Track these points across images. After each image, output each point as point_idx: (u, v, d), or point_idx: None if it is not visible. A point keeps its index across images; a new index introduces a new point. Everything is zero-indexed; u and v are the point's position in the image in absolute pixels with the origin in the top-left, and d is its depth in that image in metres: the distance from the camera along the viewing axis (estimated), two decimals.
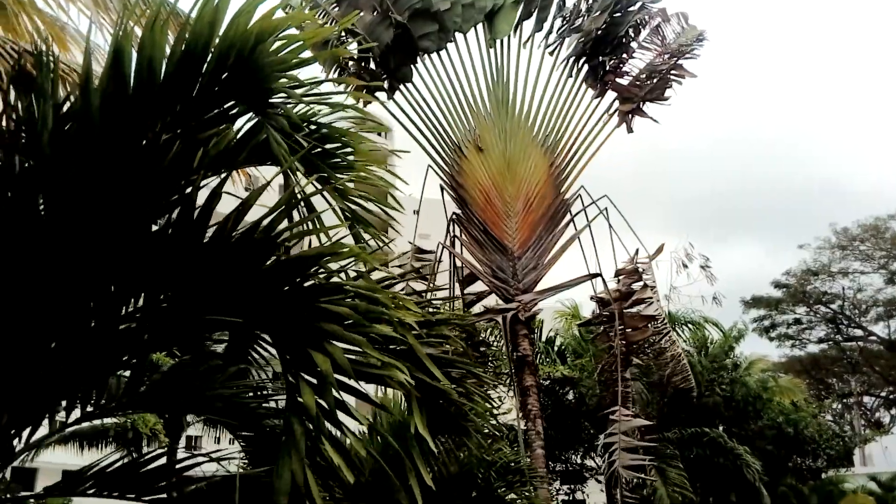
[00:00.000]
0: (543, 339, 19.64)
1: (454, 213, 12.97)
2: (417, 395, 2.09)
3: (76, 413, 3.75)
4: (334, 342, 2.04)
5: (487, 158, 12.63)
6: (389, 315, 2.18)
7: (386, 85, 12.80)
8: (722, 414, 19.60)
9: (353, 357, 2.02)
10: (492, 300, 12.69)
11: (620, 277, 12.17)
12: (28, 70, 4.28)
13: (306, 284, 2.23)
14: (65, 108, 4.09)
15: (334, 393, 2.00)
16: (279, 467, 1.99)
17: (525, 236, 12.40)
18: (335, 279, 2.31)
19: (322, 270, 2.31)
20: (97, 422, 16.42)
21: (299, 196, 2.66)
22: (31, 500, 4.81)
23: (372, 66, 13.03)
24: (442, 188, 12.91)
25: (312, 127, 3.62)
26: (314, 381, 2.04)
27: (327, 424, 2.08)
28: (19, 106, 3.98)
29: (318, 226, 2.66)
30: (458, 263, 12.57)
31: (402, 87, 12.81)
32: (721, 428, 19.27)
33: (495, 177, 12.61)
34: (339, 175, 3.62)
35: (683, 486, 13.52)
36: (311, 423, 1.99)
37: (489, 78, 12.98)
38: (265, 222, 2.45)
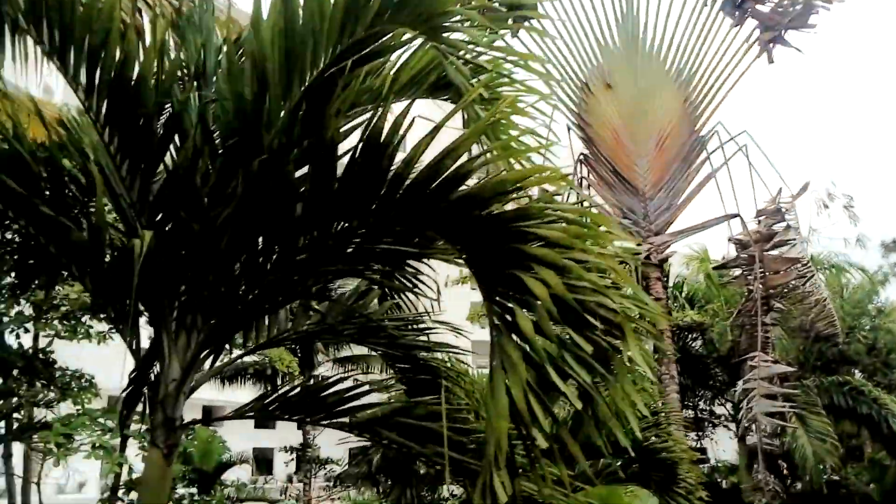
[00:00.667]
0: (670, 284, 19.09)
1: (581, 153, 12.65)
2: (632, 325, 2.02)
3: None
4: (542, 267, 2.00)
5: (617, 96, 12.17)
6: (598, 240, 2.11)
7: (510, 21, 12.50)
8: (863, 362, 18.52)
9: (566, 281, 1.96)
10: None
11: (761, 218, 11.55)
12: (182, 13, 4.41)
13: (507, 209, 2.19)
14: (224, 51, 4.20)
15: (547, 317, 1.95)
16: (493, 389, 1.99)
17: (657, 176, 11.95)
18: (534, 205, 2.25)
19: (519, 195, 2.26)
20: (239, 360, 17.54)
21: (484, 124, 2.60)
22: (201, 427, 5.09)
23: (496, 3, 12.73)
24: (568, 128, 12.59)
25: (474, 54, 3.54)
26: (523, 308, 2.01)
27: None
28: (191, 46, 4.12)
29: (504, 151, 2.60)
30: (586, 205, 12.30)
31: (526, 23, 12.46)
32: (861, 377, 18.24)
33: (625, 115, 12.16)
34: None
35: (826, 433, 12.92)
36: (529, 346, 1.96)
37: (618, 12, 12.42)
38: (455, 149, 2.41)
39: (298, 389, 3.75)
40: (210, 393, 24.74)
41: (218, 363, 4.07)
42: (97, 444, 12.82)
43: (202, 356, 3.52)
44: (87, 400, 15.15)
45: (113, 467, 13.08)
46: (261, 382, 21.88)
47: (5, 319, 15.26)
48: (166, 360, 3.35)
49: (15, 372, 14.43)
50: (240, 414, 3.66)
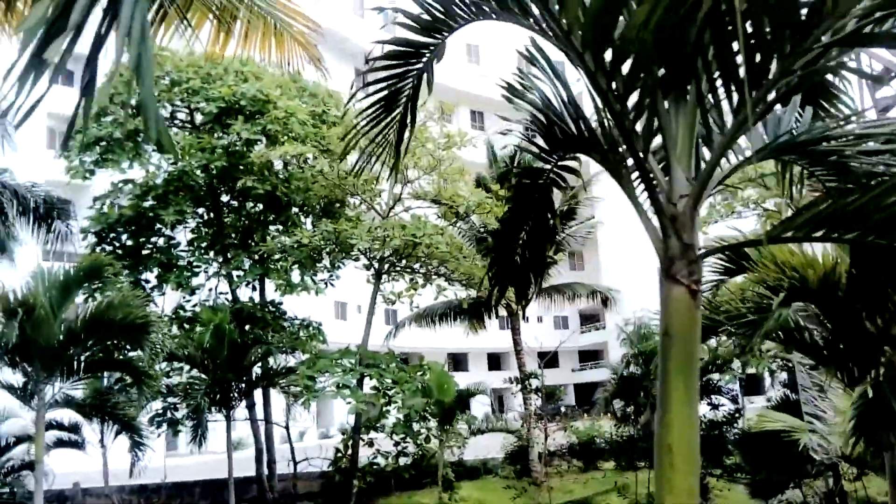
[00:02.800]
0: None
1: None
2: None
3: None
4: None
5: None
6: None
7: None
8: None
9: None
10: None
11: None
12: None
13: None
14: None
15: None
16: None
17: None
18: None
19: None
20: None
21: None
22: None
23: None
24: None
25: None
26: None
27: None
28: None
29: None
30: None
31: None
32: None
33: None
34: None
35: None
36: None
37: None
38: None
39: None
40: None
41: None
42: (341, 384, 13.30)
43: None
44: (314, 347, 15.81)
45: (357, 405, 13.59)
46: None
47: (238, 274, 16.14)
48: (674, 160, 2.83)
49: (247, 325, 15.22)
50: None
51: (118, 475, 14.67)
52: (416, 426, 14.40)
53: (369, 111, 3.85)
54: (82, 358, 11.16)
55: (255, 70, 16.35)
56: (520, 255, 3.72)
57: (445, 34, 3.28)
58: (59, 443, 13.39)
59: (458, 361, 46.19)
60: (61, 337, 10.92)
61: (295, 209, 17.12)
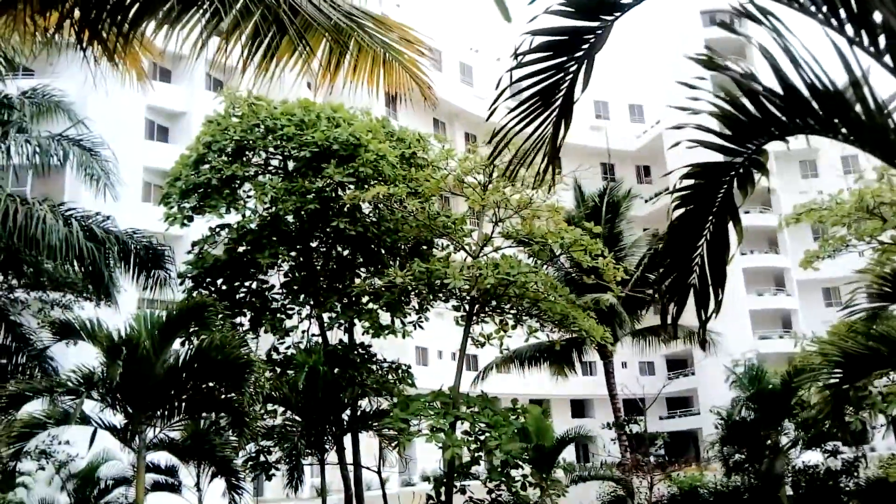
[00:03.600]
0: None
1: None
2: None
3: None
4: None
5: None
6: None
7: None
8: None
9: None
10: None
11: None
12: None
13: None
14: None
15: None
16: None
17: None
18: None
19: None
20: None
21: None
22: None
23: None
24: None
25: None
26: None
27: None
28: None
29: None
30: None
31: None
32: None
33: None
34: None
35: None
36: None
37: None
38: None
39: None
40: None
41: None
42: (435, 428, 12.93)
43: None
44: (403, 390, 15.50)
45: (453, 450, 13.16)
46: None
47: (329, 316, 16.08)
48: None
49: (336, 369, 15.04)
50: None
51: None
52: (513, 472, 13.83)
53: (521, 109, 3.59)
54: (183, 398, 11.21)
55: (346, 116, 16.62)
56: (698, 265, 3.35)
57: (615, 15, 3.01)
58: (156, 486, 13.47)
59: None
60: (162, 377, 11.01)
61: (383, 251, 17.14)
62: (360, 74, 6.26)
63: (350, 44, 6.03)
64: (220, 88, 32.78)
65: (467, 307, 16.29)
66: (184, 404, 11.19)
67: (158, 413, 11.06)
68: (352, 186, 15.58)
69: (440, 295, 15.69)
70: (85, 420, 11.04)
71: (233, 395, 11.11)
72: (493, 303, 15.82)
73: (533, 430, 13.50)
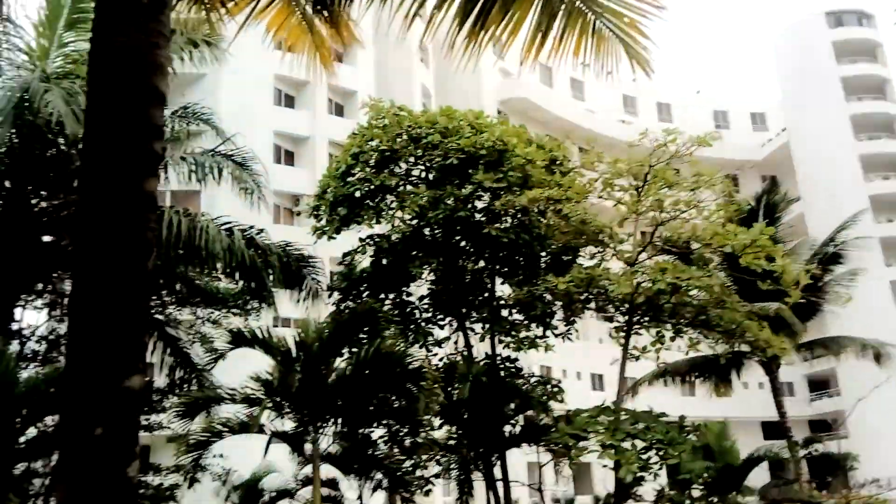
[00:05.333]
0: None
1: None
2: None
3: None
4: None
5: None
6: None
7: None
8: None
9: None
10: None
11: None
12: None
13: None
14: None
15: None
16: None
17: None
18: None
19: None
20: None
21: None
22: None
23: None
24: None
25: None
26: None
27: None
28: None
29: None
30: None
31: None
32: None
33: None
34: None
35: None
36: None
37: None
38: None
39: None
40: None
41: None
42: (606, 444, 12.11)
43: None
44: (551, 407, 14.70)
45: (627, 468, 12.31)
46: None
47: (477, 327, 15.54)
48: None
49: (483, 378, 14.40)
50: None
51: None
52: (695, 493, 12.82)
53: None
54: (354, 407, 10.93)
55: (487, 123, 16.28)
56: None
57: None
58: (321, 499, 13.23)
59: None
60: (333, 385, 10.77)
61: (524, 260, 16.56)
62: (566, 44, 5.73)
63: (560, 9, 5.52)
64: (345, 108, 33.52)
65: (622, 318, 15.47)
66: (356, 413, 10.91)
67: (330, 421, 10.81)
68: (500, 193, 15.12)
69: (596, 304, 14.95)
70: (259, 429, 10.93)
71: (404, 403, 10.73)
72: (653, 313, 14.91)
73: (715, 448, 12.45)
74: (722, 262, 16.06)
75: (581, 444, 12.82)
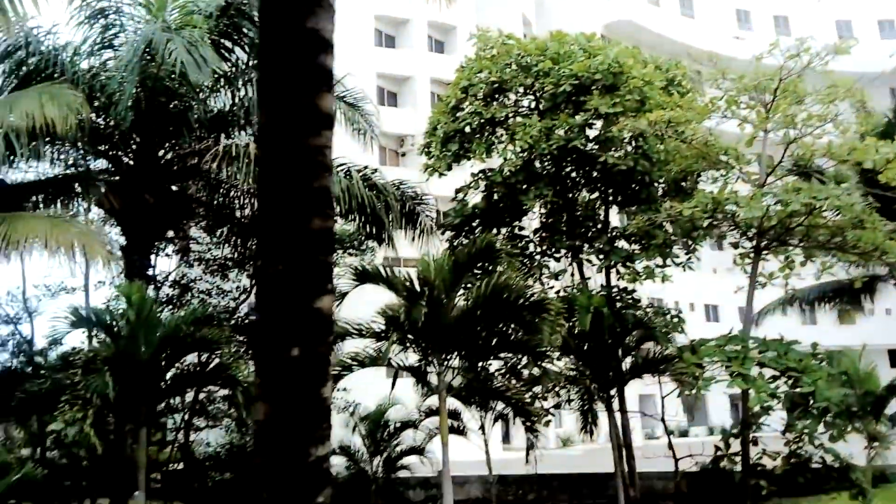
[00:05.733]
0: None
1: None
2: None
3: None
4: None
5: None
6: None
7: None
8: None
9: None
10: None
11: None
12: None
13: None
14: None
15: None
16: None
17: None
18: None
19: None
20: None
21: None
22: None
23: None
24: None
25: None
26: None
27: None
28: None
29: None
30: None
31: None
32: None
33: None
34: None
35: None
36: None
37: None
38: None
39: None
40: None
41: None
42: (735, 373, 11.71)
43: None
44: (673, 338, 14.28)
45: (759, 397, 11.91)
46: None
47: (596, 258, 15.20)
48: None
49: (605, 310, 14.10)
50: None
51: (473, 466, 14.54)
52: (831, 421, 12.26)
53: None
54: (477, 340, 11.02)
55: (601, 45, 15.59)
56: None
57: None
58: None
59: None
60: (456, 319, 10.86)
61: (640, 188, 15.98)
62: None
63: None
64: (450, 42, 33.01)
65: (749, 243, 14.77)
66: (479, 346, 11.01)
67: (454, 354, 10.95)
68: (616, 119, 14.55)
69: (720, 230, 14.31)
70: (387, 363, 11.21)
71: (528, 337, 10.71)
72: (783, 237, 14.13)
73: (853, 375, 11.81)
74: (859, 181, 14.96)
75: (707, 373, 12.49)
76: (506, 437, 26.80)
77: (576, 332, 12.58)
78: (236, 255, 17.78)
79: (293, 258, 2.26)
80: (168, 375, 10.44)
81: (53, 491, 13.02)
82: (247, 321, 17.11)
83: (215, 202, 16.00)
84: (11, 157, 12.08)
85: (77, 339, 15.08)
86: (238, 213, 16.11)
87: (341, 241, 18.04)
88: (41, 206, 13.52)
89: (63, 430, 13.52)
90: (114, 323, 10.21)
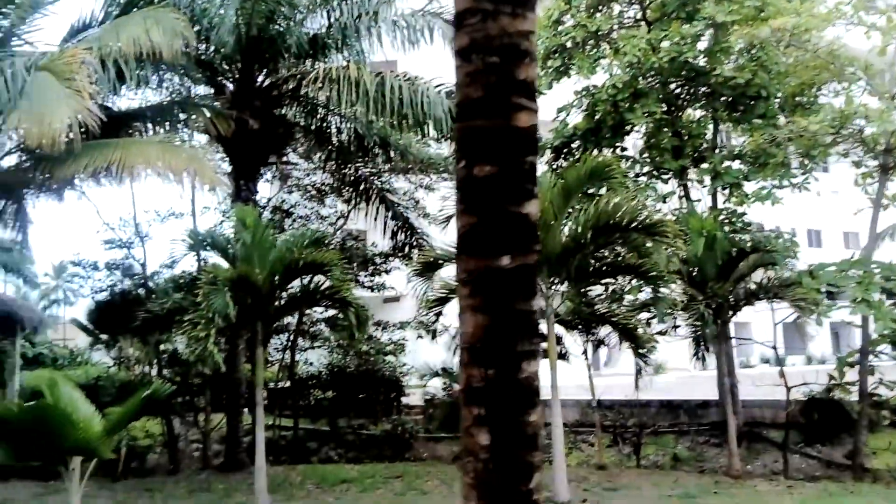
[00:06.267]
0: None
1: None
2: None
3: None
4: None
5: None
6: None
7: None
8: None
9: None
10: None
11: None
12: None
13: None
14: None
15: None
16: None
17: None
18: None
19: None
20: None
21: None
22: None
23: None
24: None
25: None
26: None
27: None
28: None
29: None
30: None
31: None
32: None
33: None
34: None
35: None
36: None
37: None
38: None
39: None
40: None
41: None
42: (858, 298, 11.04)
43: None
44: (786, 262, 13.49)
45: (886, 322, 11.25)
46: None
47: (704, 179, 14.47)
48: None
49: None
50: None
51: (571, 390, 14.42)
52: None
53: None
54: (589, 264, 10.74)
55: None
56: None
57: None
58: (543, 354, 13.50)
59: None
60: (564, 243, 10.57)
61: (753, 103, 14.97)
62: None
63: None
64: None
65: (871, 162, 13.76)
66: (586, 270, 10.73)
67: (563, 276, 10.72)
68: (732, 28, 13.56)
69: (830, 150, 13.36)
70: None
71: (641, 261, 10.34)
72: None
73: None
74: None
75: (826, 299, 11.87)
76: (595, 365, 26.69)
77: (686, 256, 12.09)
78: (333, 181, 17.91)
79: (499, 159, 2.04)
80: (282, 297, 10.64)
81: (171, 407, 13.80)
82: (343, 246, 17.35)
83: (313, 126, 16.03)
84: (120, 84, 12.29)
85: (185, 264, 15.68)
86: (335, 139, 16.12)
87: (436, 164, 17.86)
88: (147, 133, 13.83)
89: (180, 348, 14.20)
90: (228, 246, 10.43)
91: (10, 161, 13.18)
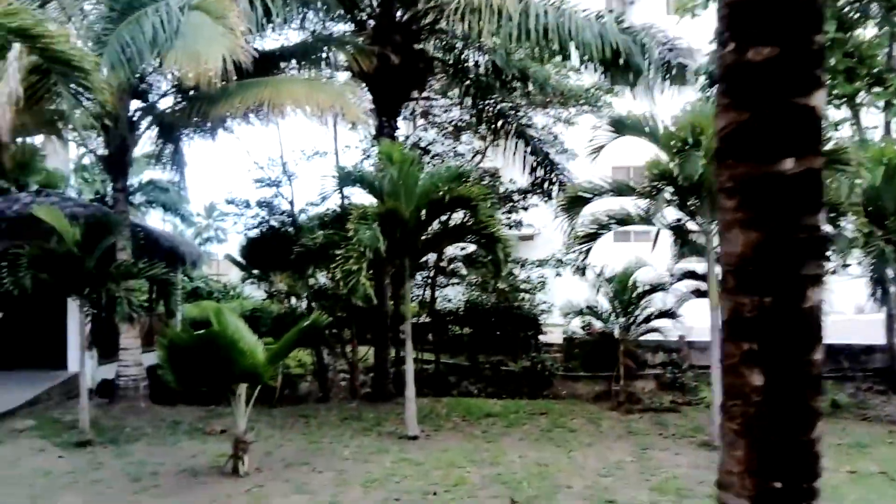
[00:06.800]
0: None
1: None
2: None
3: None
4: None
5: None
6: None
7: None
8: None
9: None
10: None
11: None
12: None
13: None
14: None
15: None
16: None
17: None
18: None
19: None
20: None
21: None
22: None
23: None
24: None
25: None
26: None
27: None
28: None
29: None
30: None
31: None
32: None
33: None
34: None
35: None
36: None
37: None
38: None
39: None
40: None
41: None
42: None
43: None
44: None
45: None
46: None
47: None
48: None
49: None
50: None
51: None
52: None
53: None
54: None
55: None
56: None
57: None
58: (697, 293, 12.77)
59: None
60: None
61: None
62: None
63: None
64: None
65: None
66: None
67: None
68: None
69: None
70: (647, 221, 10.52)
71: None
72: None
73: None
74: None
75: None
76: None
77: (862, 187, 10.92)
78: (470, 117, 17.58)
79: (782, 38, 1.66)
80: (428, 231, 10.59)
81: (323, 338, 14.30)
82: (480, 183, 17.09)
83: (451, 61, 15.71)
84: (267, 22, 12.42)
85: (329, 203, 16.01)
86: (472, 74, 15.74)
87: (577, 96, 17.11)
88: (293, 72, 13.99)
89: (328, 282, 14.59)
90: (375, 181, 10.43)
91: (166, 103, 13.80)
